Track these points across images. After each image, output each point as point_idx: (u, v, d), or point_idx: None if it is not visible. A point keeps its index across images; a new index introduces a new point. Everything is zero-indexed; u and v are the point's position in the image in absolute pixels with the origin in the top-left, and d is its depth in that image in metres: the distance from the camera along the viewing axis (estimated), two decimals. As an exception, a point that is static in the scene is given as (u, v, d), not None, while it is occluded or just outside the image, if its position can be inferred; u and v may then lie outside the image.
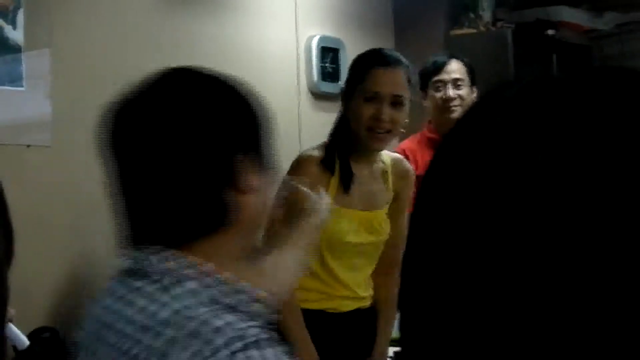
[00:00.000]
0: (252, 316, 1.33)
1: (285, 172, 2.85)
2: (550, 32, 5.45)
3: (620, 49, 5.40)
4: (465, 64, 4.23)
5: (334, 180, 3.03)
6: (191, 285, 1.33)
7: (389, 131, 3.01)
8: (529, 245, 0.56)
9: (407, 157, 4.10)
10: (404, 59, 3.12)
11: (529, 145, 0.58)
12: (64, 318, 3.67)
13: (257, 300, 1.38)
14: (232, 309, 1.32)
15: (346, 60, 4.97)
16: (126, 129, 1.41)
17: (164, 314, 1.29)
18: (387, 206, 3.18)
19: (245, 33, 4.71)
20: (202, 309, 1.28)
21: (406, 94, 3.05)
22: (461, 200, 0.60)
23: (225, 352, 1.21)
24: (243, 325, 1.27)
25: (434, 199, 0.64)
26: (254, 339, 1.25)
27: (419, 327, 0.63)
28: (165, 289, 1.33)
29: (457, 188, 0.61)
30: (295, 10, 5.02)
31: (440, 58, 4.28)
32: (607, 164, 0.56)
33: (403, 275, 0.65)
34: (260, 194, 1.44)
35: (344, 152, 3.05)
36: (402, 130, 3.12)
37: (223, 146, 1.40)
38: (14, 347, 2.75)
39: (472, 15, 5.49)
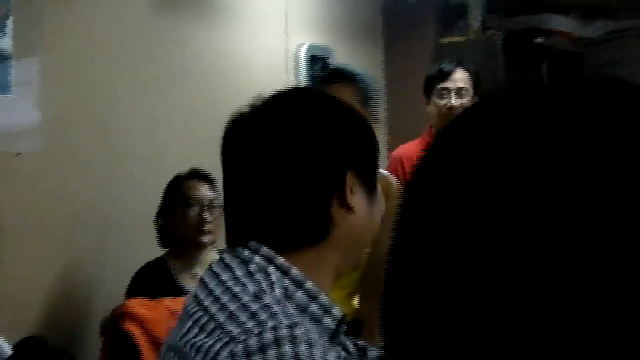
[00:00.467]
0: (317, 322, 1.37)
1: None
2: (540, 39, 5.47)
3: (610, 56, 5.41)
4: (471, 73, 4.26)
5: None
6: (272, 277, 1.38)
7: None
8: (514, 251, 0.56)
9: (402, 163, 4.12)
10: (356, 74, 3.12)
11: (517, 152, 0.58)
12: (53, 327, 3.65)
13: (330, 314, 1.40)
14: (301, 310, 1.37)
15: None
16: (249, 137, 1.47)
17: (234, 289, 1.35)
18: None
19: (235, 40, 4.71)
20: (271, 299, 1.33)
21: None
22: (448, 204, 0.60)
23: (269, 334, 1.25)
24: (284, 318, 1.29)
25: (419, 203, 0.63)
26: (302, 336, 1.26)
27: (401, 333, 0.63)
28: (249, 274, 1.38)
29: (443, 192, 0.61)
30: (286, 18, 5.03)
31: (447, 66, 4.31)
32: (594, 171, 0.56)
33: (387, 279, 0.65)
34: (364, 215, 1.48)
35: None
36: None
37: (336, 160, 1.44)
38: None
39: (462, 22, 5.50)
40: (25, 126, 3.62)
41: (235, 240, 1.46)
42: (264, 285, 1.36)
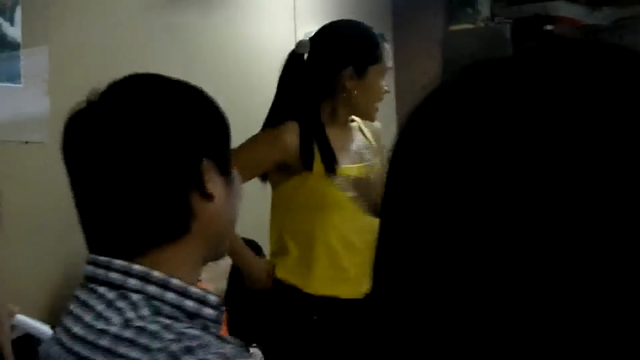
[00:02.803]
0: (195, 320, 1.32)
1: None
2: (548, 27, 5.45)
3: (619, 43, 5.39)
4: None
5: (317, 169, 3.08)
6: (133, 298, 1.30)
7: None
8: (502, 231, 0.56)
9: None
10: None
11: (506, 126, 0.58)
12: (58, 316, 3.66)
13: (207, 304, 1.35)
14: (174, 318, 1.30)
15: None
16: (91, 132, 1.39)
17: (98, 325, 1.28)
18: (374, 160, 3.24)
19: (243, 29, 4.70)
20: (142, 322, 1.26)
21: None
22: (433, 182, 0.60)
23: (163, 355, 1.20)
24: (166, 333, 1.24)
25: (404, 182, 0.63)
26: (194, 342, 1.22)
27: (390, 324, 0.63)
28: (109, 304, 1.30)
29: (426, 175, 0.61)
30: (294, 6, 5.02)
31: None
32: (564, 151, 0.55)
33: (375, 271, 0.65)
34: (223, 201, 1.40)
35: (320, 131, 3.10)
36: None
37: (190, 149, 1.37)
38: (37, 340, 2.71)
39: (470, 10, 5.48)
40: (33, 116, 3.63)
41: (95, 248, 1.39)
42: (127, 310, 1.28)
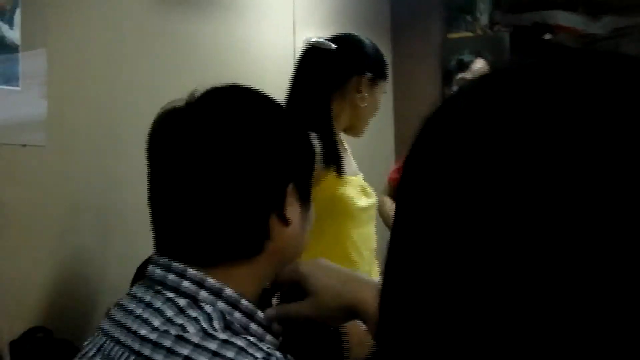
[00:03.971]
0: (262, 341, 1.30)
1: None
2: (547, 36, 5.46)
3: (616, 52, 5.39)
4: (490, 64, 4.29)
5: (331, 171, 3.05)
6: (206, 309, 1.30)
7: None
8: (511, 245, 0.56)
9: None
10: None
11: (510, 140, 0.58)
12: (57, 318, 3.66)
13: (270, 331, 1.36)
14: (245, 330, 1.31)
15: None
16: (186, 136, 1.37)
17: (173, 331, 1.26)
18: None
19: (242, 35, 4.70)
20: (217, 336, 1.26)
21: None
22: (442, 199, 0.60)
23: None
24: (254, 350, 1.24)
25: (414, 199, 0.63)
26: None
27: (399, 329, 0.63)
28: (180, 310, 1.29)
29: (436, 189, 0.61)
30: (293, 12, 5.02)
31: (466, 57, 4.34)
32: (591, 163, 0.55)
33: (385, 276, 0.65)
34: (298, 227, 1.41)
35: (334, 138, 3.10)
36: None
37: (280, 172, 1.37)
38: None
39: (469, 18, 5.49)
40: (31, 118, 3.63)
41: (164, 250, 1.38)
42: (202, 320, 1.27)
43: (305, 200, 1.43)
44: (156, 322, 1.29)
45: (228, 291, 1.32)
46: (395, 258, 0.64)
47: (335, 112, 3.12)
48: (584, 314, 0.54)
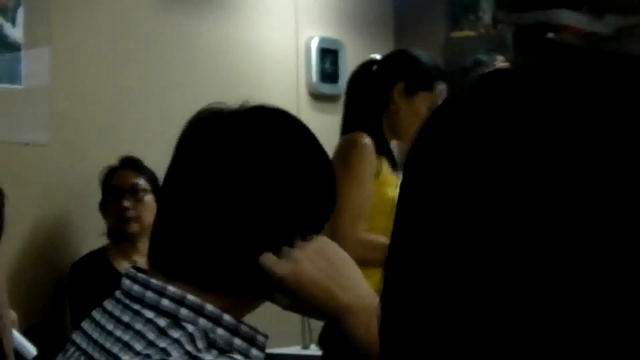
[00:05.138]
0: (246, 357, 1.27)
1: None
2: (550, 35, 5.45)
3: (622, 51, 5.39)
4: (509, 61, 4.28)
5: (385, 160, 3.23)
6: (188, 328, 1.25)
7: None
8: (512, 249, 0.56)
9: None
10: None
11: (511, 145, 0.58)
12: (60, 317, 3.66)
13: (255, 345, 1.31)
14: (228, 346, 1.27)
15: (345, 62, 4.97)
16: (211, 150, 1.33)
17: (156, 356, 1.21)
18: None
19: (244, 33, 4.70)
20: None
21: None
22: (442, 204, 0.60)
23: None
24: None
25: (414, 207, 0.63)
26: None
27: (402, 331, 0.62)
28: (162, 332, 1.24)
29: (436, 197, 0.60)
30: (295, 10, 5.02)
31: (483, 55, 4.33)
32: (591, 165, 0.55)
33: (385, 285, 0.65)
34: None
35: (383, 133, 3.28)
36: None
37: (292, 225, 1.32)
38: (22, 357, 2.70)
39: (472, 17, 5.48)
40: (34, 117, 3.62)
41: (155, 256, 1.34)
42: (185, 342, 1.22)
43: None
44: (138, 347, 1.23)
45: (209, 307, 1.27)
46: (396, 260, 0.64)
47: (384, 124, 3.29)
48: (584, 315, 0.54)
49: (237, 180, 1.29)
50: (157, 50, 4.19)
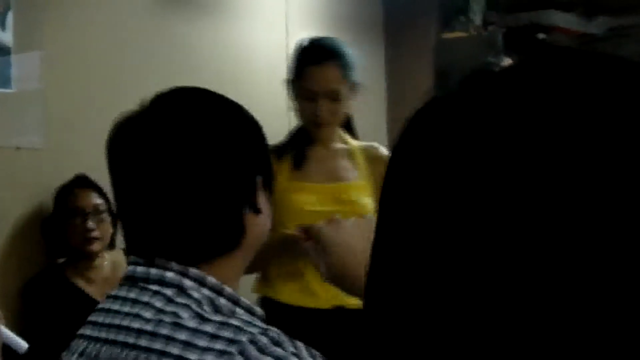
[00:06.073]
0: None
1: None
2: (541, 36, 5.46)
3: (612, 53, 5.40)
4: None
5: (285, 164, 3.17)
6: (194, 295, 1.32)
7: (329, 122, 3.19)
8: (499, 247, 0.56)
9: None
10: (337, 49, 3.23)
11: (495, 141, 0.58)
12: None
13: (256, 315, 1.37)
14: (232, 315, 1.32)
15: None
16: (146, 144, 1.39)
17: (167, 319, 1.28)
18: (360, 181, 3.25)
19: (235, 36, 4.70)
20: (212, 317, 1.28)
21: (341, 87, 3.16)
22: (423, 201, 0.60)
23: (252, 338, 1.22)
24: (251, 328, 1.26)
25: (397, 203, 0.63)
26: (282, 337, 1.25)
27: (385, 330, 0.62)
28: (169, 300, 1.31)
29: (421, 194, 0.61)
30: (286, 14, 5.02)
31: (492, 58, 4.34)
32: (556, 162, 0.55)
33: (368, 286, 0.65)
34: (267, 215, 1.45)
35: (300, 136, 3.24)
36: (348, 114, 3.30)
37: (248, 167, 1.40)
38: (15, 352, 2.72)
39: (463, 18, 5.49)
40: (26, 121, 3.62)
41: (137, 251, 1.40)
42: (193, 305, 1.29)
43: (269, 187, 1.47)
44: (147, 314, 1.30)
45: (211, 279, 1.34)
46: (379, 262, 0.64)
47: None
48: (546, 295, 0.54)
49: (180, 161, 1.35)
50: (150, 53, 4.18)
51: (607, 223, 0.54)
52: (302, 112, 3.21)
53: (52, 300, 3.42)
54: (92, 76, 3.89)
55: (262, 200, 1.42)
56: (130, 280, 1.38)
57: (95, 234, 3.53)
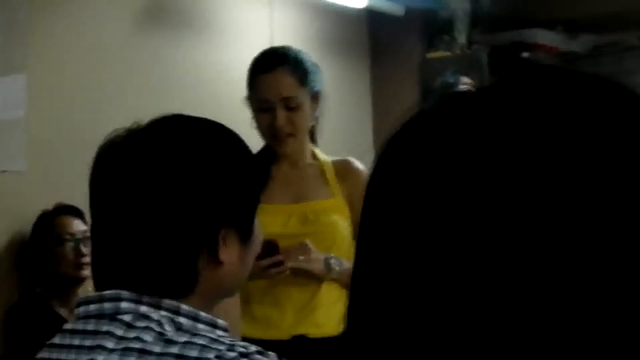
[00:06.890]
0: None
1: None
2: (525, 54, 5.48)
3: (596, 70, 5.43)
4: (472, 85, 4.30)
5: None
6: (153, 316, 1.30)
7: (291, 134, 2.96)
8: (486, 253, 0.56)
9: None
10: (288, 54, 3.07)
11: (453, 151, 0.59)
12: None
13: (218, 327, 1.35)
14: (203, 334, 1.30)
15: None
16: (123, 174, 1.38)
17: (131, 344, 1.26)
18: (330, 199, 3.04)
19: (220, 56, 4.70)
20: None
21: (297, 94, 2.97)
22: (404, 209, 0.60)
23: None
24: (217, 345, 1.25)
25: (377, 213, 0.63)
26: (250, 349, 1.24)
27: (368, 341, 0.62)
28: (129, 326, 1.29)
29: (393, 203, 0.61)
30: (271, 34, 5.03)
31: (450, 77, 4.35)
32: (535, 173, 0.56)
33: (352, 293, 0.65)
34: (235, 266, 1.40)
35: (264, 155, 2.96)
36: (312, 125, 3.08)
37: (212, 217, 1.36)
38: None
39: (447, 38, 5.51)
40: (10, 144, 3.60)
41: (105, 284, 1.37)
42: (154, 326, 1.28)
43: (245, 237, 1.42)
44: (110, 344, 1.28)
45: (166, 301, 1.32)
46: (360, 290, 0.64)
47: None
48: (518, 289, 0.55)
49: (146, 194, 1.34)
50: (135, 74, 4.18)
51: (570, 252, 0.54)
52: (259, 125, 3.00)
53: (36, 330, 3.38)
54: (76, 99, 3.88)
55: (227, 252, 1.37)
56: (85, 318, 1.34)
57: (87, 259, 3.49)
